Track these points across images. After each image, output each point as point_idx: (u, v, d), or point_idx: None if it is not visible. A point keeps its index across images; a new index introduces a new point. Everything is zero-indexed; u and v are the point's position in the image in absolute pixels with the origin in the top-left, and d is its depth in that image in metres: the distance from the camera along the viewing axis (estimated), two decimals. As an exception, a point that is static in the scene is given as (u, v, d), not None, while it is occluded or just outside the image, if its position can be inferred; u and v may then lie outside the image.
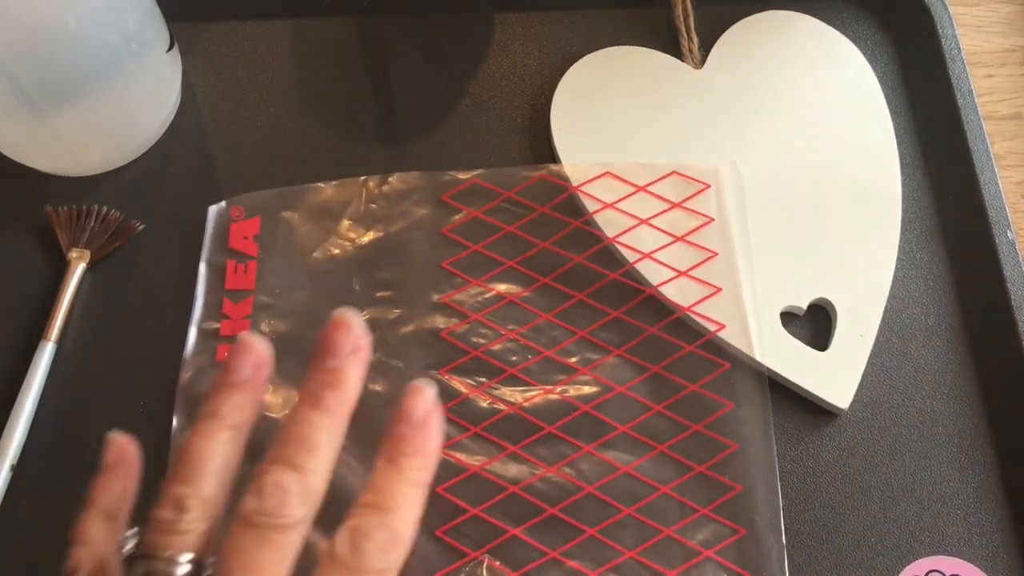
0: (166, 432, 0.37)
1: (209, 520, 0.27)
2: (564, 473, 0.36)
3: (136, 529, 0.28)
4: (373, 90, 0.46)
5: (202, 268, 0.40)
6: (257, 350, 0.29)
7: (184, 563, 0.26)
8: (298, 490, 0.26)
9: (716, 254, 0.40)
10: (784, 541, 0.35)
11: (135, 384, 0.39)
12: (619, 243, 0.41)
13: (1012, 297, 0.40)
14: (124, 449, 0.29)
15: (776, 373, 0.38)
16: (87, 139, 0.41)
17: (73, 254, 0.41)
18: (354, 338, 0.28)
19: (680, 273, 0.40)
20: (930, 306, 0.41)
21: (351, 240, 0.41)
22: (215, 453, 0.27)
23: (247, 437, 0.28)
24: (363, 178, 0.42)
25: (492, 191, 0.42)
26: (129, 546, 0.27)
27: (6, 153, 0.42)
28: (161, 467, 0.36)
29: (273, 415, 0.37)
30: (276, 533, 0.26)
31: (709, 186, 0.42)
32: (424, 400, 0.28)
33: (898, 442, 0.38)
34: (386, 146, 0.44)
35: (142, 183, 0.43)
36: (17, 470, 0.37)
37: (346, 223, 0.41)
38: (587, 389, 0.38)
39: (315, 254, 0.41)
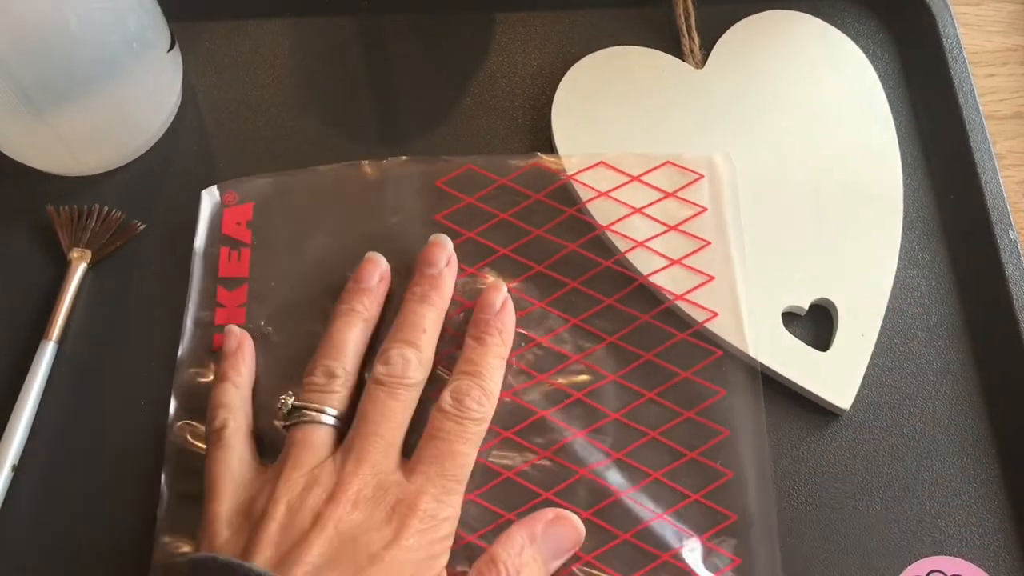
0: (167, 432, 0.37)
1: (349, 388, 0.36)
2: (557, 459, 0.37)
3: (291, 392, 0.36)
4: (373, 90, 0.46)
5: (195, 256, 0.40)
6: (382, 265, 0.39)
7: (330, 415, 0.35)
8: (415, 360, 0.35)
9: (709, 243, 0.40)
10: (776, 526, 0.35)
11: (136, 384, 0.39)
12: (613, 231, 0.41)
13: (1014, 297, 0.39)
14: (241, 337, 0.38)
15: (777, 373, 0.38)
16: (87, 139, 0.41)
17: (74, 254, 0.41)
18: (447, 253, 0.39)
19: (673, 262, 0.40)
20: (932, 306, 0.41)
21: (345, 226, 0.41)
22: (353, 338, 0.37)
23: (373, 327, 0.38)
24: (357, 163, 0.42)
25: (486, 178, 0.42)
26: (288, 401, 0.35)
27: (7, 153, 0.42)
28: (161, 466, 0.36)
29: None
30: (401, 390, 0.35)
31: (702, 176, 0.42)
32: (500, 294, 0.38)
33: (900, 442, 0.38)
34: (386, 146, 0.44)
35: (143, 183, 0.43)
36: (17, 470, 0.37)
37: (340, 209, 0.41)
38: (580, 377, 0.38)
39: (309, 240, 0.41)
